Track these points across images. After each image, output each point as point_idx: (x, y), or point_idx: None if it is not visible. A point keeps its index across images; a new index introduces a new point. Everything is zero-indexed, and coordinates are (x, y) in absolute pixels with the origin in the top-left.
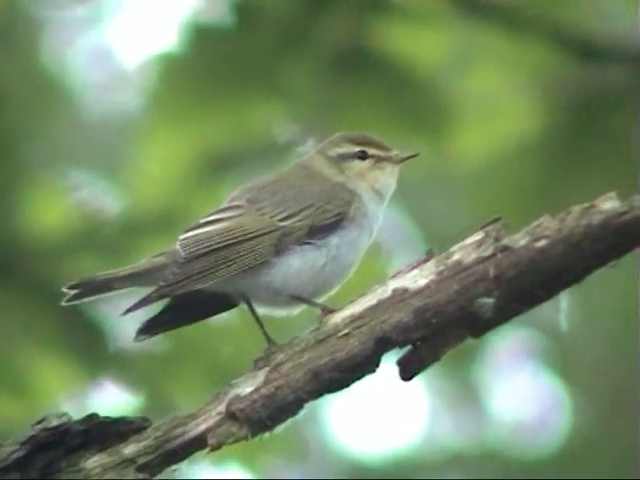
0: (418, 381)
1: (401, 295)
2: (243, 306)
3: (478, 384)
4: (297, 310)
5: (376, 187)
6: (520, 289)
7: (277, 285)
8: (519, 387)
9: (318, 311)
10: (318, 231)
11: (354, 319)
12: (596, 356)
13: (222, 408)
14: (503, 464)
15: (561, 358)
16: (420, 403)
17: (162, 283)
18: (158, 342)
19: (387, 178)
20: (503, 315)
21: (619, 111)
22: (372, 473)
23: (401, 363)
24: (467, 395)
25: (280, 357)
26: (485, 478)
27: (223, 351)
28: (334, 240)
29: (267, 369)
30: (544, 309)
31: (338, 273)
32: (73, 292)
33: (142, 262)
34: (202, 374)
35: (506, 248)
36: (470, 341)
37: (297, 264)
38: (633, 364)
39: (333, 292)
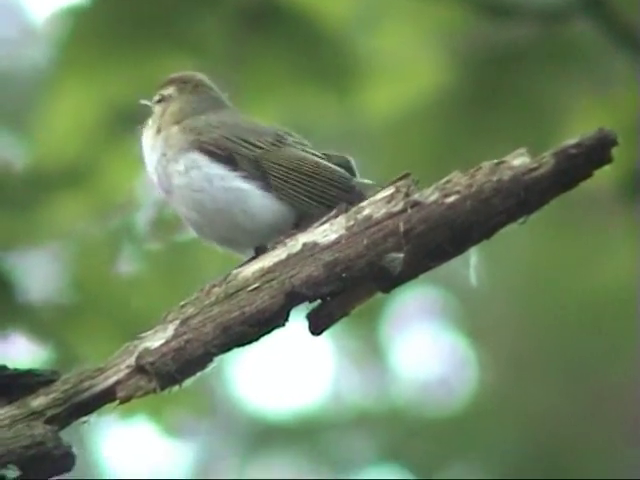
0: (324, 339)
1: (311, 249)
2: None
3: (384, 342)
4: None
5: None
6: (430, 244)
7: None
8: (425, 345)
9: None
10: None
11: (264, 273)
12: (500, 313)
13: (131, 361)
14: (408, 422)
15: (466, 316)
16: (326, 361)
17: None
18: (65, 294)
19: None
20: (412, 270)
21: (528, 67)
22: (277, 430)
23: (310, 317)
24: (373, 353)
25: (190, 310)
26: (390, 436)
27: (131, 304)
28: None
29: (177, 322)
30: (452, 266)
31: None
32: None
33: None
34: (110, 327)
35: (416, 203)
36: (376, 299)
37: None
38: (538, 322)
39: None
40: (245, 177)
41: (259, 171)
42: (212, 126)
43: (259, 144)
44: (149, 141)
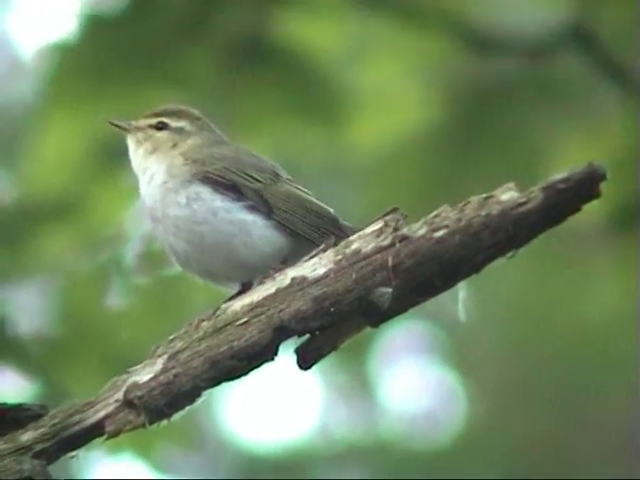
0: (313, 373)
1: (300, 284)
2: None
3: (372, 376)
4: None
5: None
6: (418, 279)
7: None
8: (413, 379)
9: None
10: None
11: (253, 307)
12: (489, 347)
13: (120, 395)
14: (396, 455)
15: (455, 350)
16: (314, 395)
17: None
18: (54, 328)
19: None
20: (401, 305)
21: (516, 101)
22: (266, 464)
23: (299, 352)
24: (361, 387)
25: (179, 345)
26: (378, 470)
27: (120, 337)
28: None
29: (165, 357)
30: (440, 300)
31: None
32: None
33: None
34: (99, 360)
35: (405, 238)
36: (364, 333)
37: None
38: (526, 355)
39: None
40: (249, 207)
41: (263, 202)
42: (215, 158)
43: (259, 178)
44: (139, 159)
